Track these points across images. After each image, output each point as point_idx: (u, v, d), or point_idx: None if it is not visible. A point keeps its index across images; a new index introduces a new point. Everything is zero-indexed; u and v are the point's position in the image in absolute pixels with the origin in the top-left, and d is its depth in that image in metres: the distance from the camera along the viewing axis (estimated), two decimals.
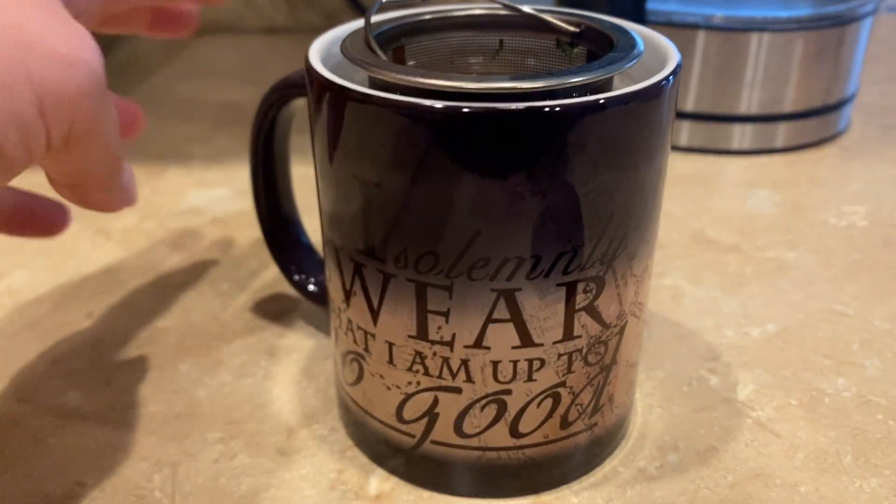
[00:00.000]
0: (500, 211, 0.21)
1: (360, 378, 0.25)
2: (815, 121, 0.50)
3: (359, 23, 0.26)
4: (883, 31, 0.71)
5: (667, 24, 0.47)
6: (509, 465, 0.25)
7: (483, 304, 0.22)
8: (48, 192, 0.26)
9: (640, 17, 0.46)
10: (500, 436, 0.24)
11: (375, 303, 0.23)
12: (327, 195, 0.24)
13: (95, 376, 0.31)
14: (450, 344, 0.23)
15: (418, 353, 0.23)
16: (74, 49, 0.20)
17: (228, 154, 0.49)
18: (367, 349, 0.24)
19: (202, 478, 0.26)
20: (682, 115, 0.49)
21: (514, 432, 0.24)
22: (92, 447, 0.27)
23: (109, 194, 0.25)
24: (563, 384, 0.24)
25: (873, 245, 0.39)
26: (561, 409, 0.24)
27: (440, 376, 0.23)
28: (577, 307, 0.23)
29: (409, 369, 0.24)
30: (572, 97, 0.21)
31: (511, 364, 0.23)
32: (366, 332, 0.24)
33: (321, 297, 0.31)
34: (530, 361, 0.23)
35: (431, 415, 0.24)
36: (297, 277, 0.32)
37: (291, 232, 0.32)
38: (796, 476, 0.26)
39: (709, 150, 0.49)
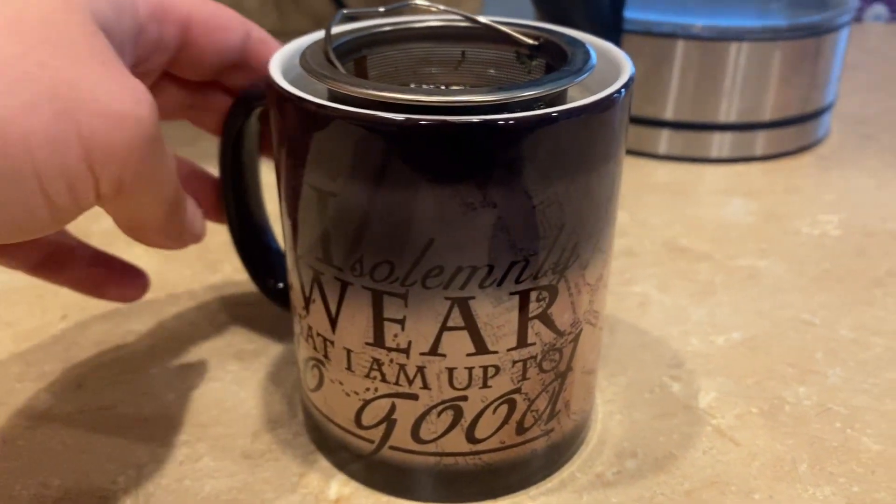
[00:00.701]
0: (454, 221, 0.21)
1: (320, 384, 0.26)
2: (794, 129, 0.51)
3: (319, 34, 0.26)
4: (866, 41, 0.72)
5: (645, 33, 0.47)
6: (466, 471, 0.25)
7: (437, 312, 0.22)
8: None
9: (617, 25, 0.47)
10: (456, 441, 0.24)
11: (334, 310, 0.24)
12: (286, 204, 0.24)
13: (67, 379, 0.31)
14: (406, 351, 0.23)
15: (375, 360, 0.24)
16: (126, 104, 0.20)
17: (211, 157, 0.49)
18: (326, 356, 0.25)
19: (167, 479, 0.26)
20: (661, 124, 0.49)
21: (471, 438, 0.24)
22: (59, 449, 0.28)
23: (168, 237, 0.25)
24: (518, 391, 0.24)
25: (845, 254, 0.40)
26: (517, 416, 0.24)
27: (397, 383, 0.24)
28: (530, 315, 0.23)
29: (367, 376, 0.24)
30: (528, 109, 0.21)
31: (466, 371, 0.23)
32: (325, 339, 0.24)
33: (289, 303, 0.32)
34: (485, 368, 0.23)
35: (389, 421, 0.24)
36: (266, 283, 0.32)
37: (262, 239, 0.32)
38: (752, 483, 0.27)
39: (688, 158, 0.50)
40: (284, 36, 0.76)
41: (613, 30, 0.47)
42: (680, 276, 0.38)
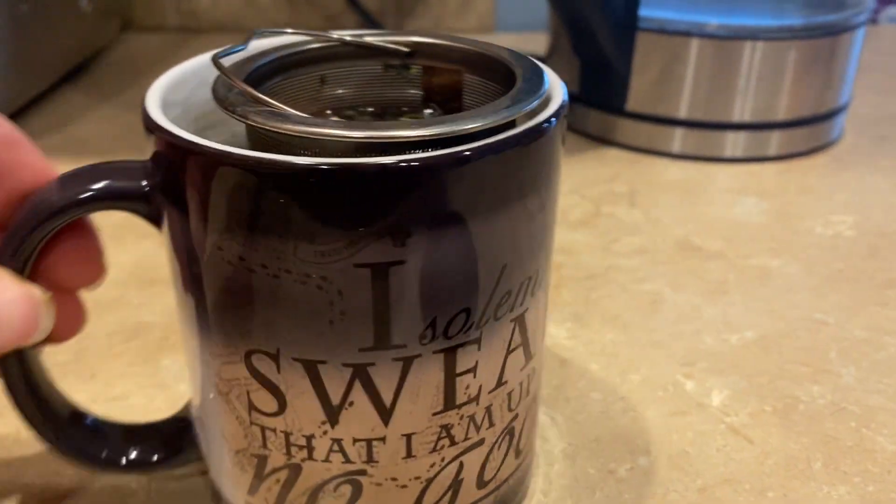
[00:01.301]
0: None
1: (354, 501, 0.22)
2: (808, 130, 0.50)
3: (198, 64, 0.24)
4: (882, 43, 0.71)
5: (659, 31, 0.47)
6: None
7: (503, 338, 0.21)
8: None
9: (631, 23, 0.46)
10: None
11: (388, 400, 0.20)
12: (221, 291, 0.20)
13: (80, 369, 0.31)
14: (476, 398, 0.21)
15: (444, 427, 0.21)
16: None
17: None
18: (371, 459, 0.21)
19: (178, 471, 0.26)
20: (674, 122, 0.49)
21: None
22: None
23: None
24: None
25: (858, 254, 0.39)
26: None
27: (466, 438, 0.22)
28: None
29: (434, 450, 0.21)
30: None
31: (519, 387, 0.22)
32: (370, 442, 0.21)
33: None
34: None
35: (456, 482, 0.22)
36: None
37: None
38: (765, 482, 0.26)
39: (701, 157, 0.50)
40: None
41: (628, 28, 0.46)
42: (692, 274, 0.38)
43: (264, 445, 0.21)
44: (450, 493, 0.22)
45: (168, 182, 0.20)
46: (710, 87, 0.48)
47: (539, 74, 0.21)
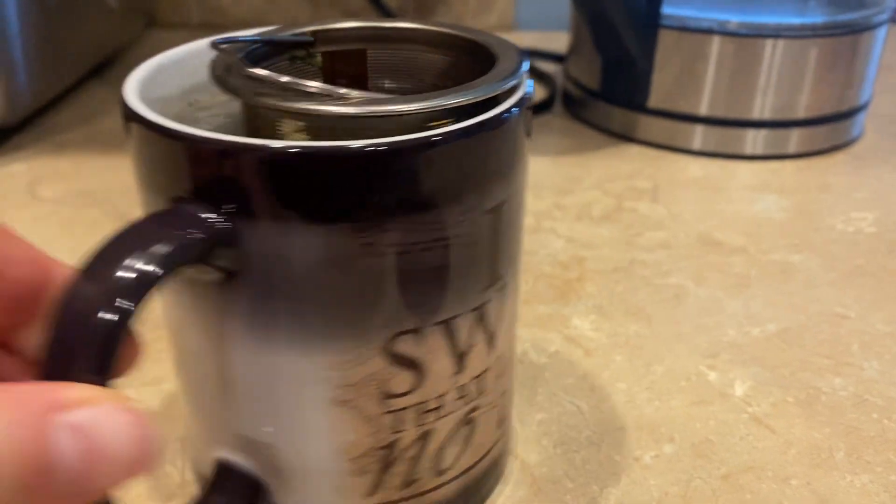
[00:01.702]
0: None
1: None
2: (828, 128, 0.51)
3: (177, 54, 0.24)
4: None
5: (681, 29, 0.47)
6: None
7: None
8: None
9: (654, 20, 0.47)
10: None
11: (493, 327, 0.22)
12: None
13: None
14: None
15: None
16: None
17: None
18: (482, 391, 0.23)
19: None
20: (696, 119, 0.50)
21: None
22: None
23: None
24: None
25: (879, 251, 0.40)
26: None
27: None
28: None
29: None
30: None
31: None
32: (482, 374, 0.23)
33: None
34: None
35: None
36: None
37: None
38: (788, 470, 0.27)
39: (722, 154, 0.50)
40: None
41: (650, 25, 0.47)
42: (714, 268, 0.38)
43: (396, 430, 0.22)
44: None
45: (251, 205, 0.19)
46: (731, 85, 0.48)
47: (517, 58, 0.22)
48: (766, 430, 0.28)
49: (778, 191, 0.46)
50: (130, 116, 0.20)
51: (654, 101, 0.50)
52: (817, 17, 0.47)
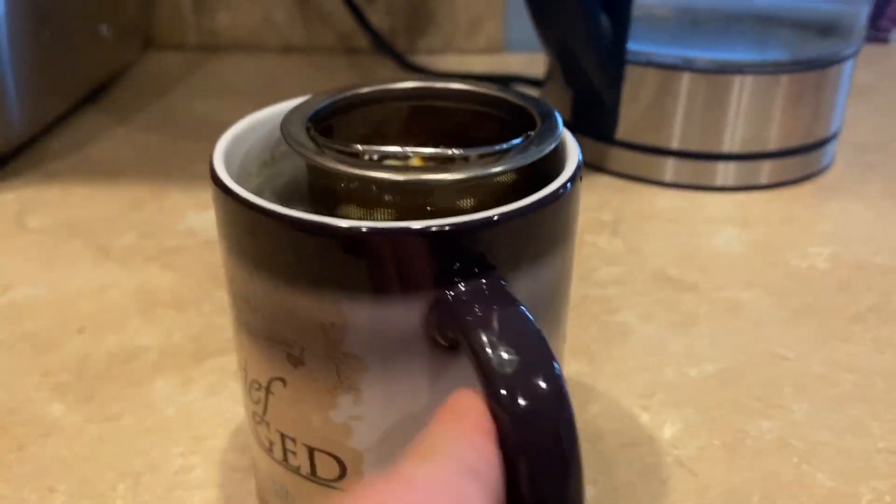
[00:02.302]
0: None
1: None
2: (799, 159, 0.51)
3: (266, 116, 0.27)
4: (889, 63, 0.72)
5: (647, 64, 0.48)
6: None
7: None
8: None
9: (619, 57, 0.48)
10: None
11: None
12: None
13: (80, 390, 0.34)
14: None
15: None
16: None
17: None
18: None
19: (160, 488, 0.29)
20: (667, 153, 0.51)
21: None
22: (67, 456, 0.30)
23: None
24: None
25: (829, 288, 0.41)
26: None
27: None
28: None
29: None
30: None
31: None
32: None
33: None
34: None
35: None
36: None
37: None
38: None
39: (693, 186, 0.51)
40: (312, 51, 0.78)
41: (616, 61, 0.48)
42: (665, 306, 0.39)
43: None
44: None
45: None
46: (701, 119, 0.49)
47: (553, 121, 0.24)
48: (688, 474, 0.30)
49: (741, 224, 0.47)
50: (244, 203, 0.21)
51: (622, 134, 0.51)
52: (783, 54, 0.48)
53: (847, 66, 0.50)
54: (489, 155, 0.23)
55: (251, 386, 0.24)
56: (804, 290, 0.40)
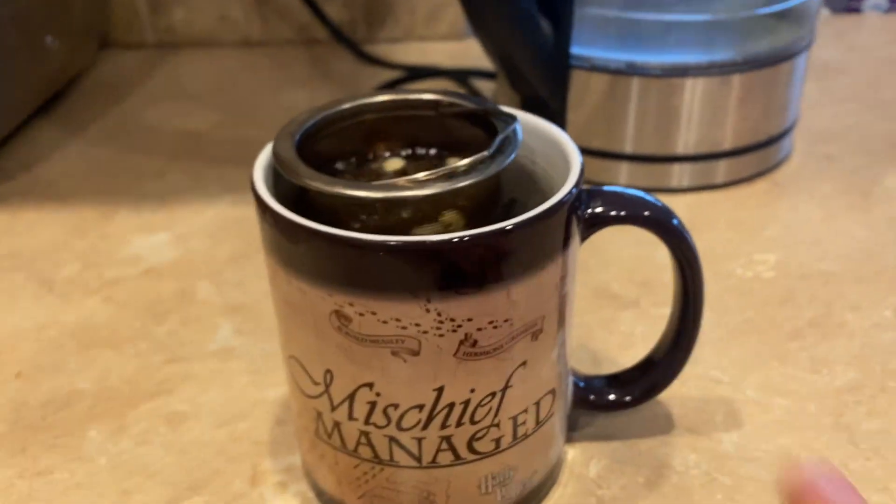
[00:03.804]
0: None
1: None
2: (754, 156, 0.51)
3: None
4: (859, 35, 0.70)
5: (592, 69, 0.48)
6: None
7: None
8: None
9: (563, 63, 0.47)
10: None
11: None
12: None
13: (12, 442, 0.34)
14: None
15: None
16: None
17: (177, 192, 0.51)
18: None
19: None
20: (620, 157, 0.50)
21: None
22: None
23: None
24: None
25: (771, 300, 0.40)
26: None
27: None
28: None
29: None
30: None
31: None
32: None
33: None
34: None
35: None
36: None
37: None
38: None
39: (649, 188, 0.50)
40: (270, 45, 0.77)
41: (559, 67, 0.47)
42: (603, 326, 0.39)
43: None
44: None
45: None
46: (654, 122, 0.49)
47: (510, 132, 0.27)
48: None
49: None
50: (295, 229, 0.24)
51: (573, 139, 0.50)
52: (733, 54, 0.47)
53: (800, 60, 0.49)
54: (455, 171, 0.25)
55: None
56: (745, 304, 0.40)
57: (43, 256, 0.45)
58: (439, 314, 0.24)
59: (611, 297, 0.41)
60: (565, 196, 0.25)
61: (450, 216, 0.26)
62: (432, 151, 0.30)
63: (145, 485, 0.32)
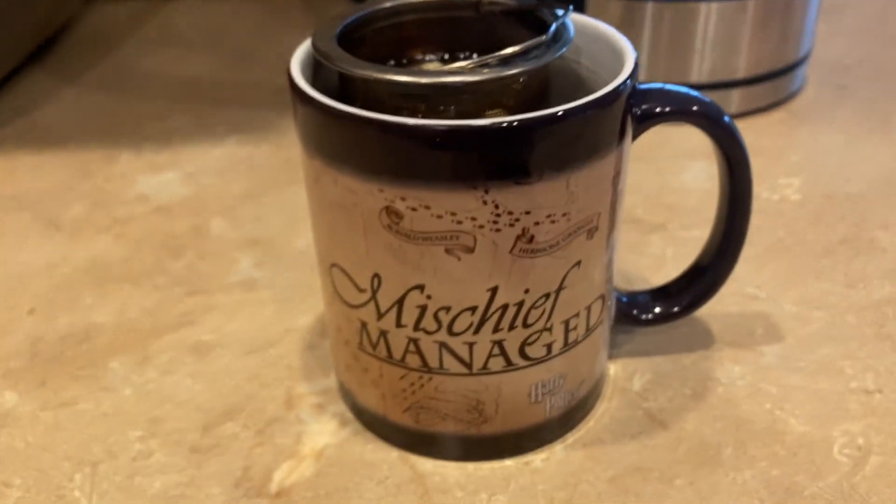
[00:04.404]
0: None
1: None
2: (768, 85, 0.50)
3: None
4: None
5: None
6: None
7: None
8: None
9: None
10: None
11: None
12: None
13: (31, 376, 0.33)
14: None
15: None
16: None
17: (180, 133, 0.50)
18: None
19: (119, 476, 0.28)
20: None
21: None
22: (22, 447, 0.29)
23: None
24: None
25: (801, 221, 0.40)
26: None
27: None
28: None
29: None
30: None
31: None
32: None
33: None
34: None
35: None
36: None
37: None
38: (675, 469, 0.28)
39: None
40: None
41: None
42: (633, 249, 0.38)
43: None
44: None
45: None
46: (668, 50, 0.48)
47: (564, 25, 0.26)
48: (658, 427, 0.29)
49: (709, 157, 0.45)
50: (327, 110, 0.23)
51: None
52: None
53: None
54: (507, 59, 0.24)
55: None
56: (775, 224, 0.40)
57: (48, 197, 0.44)
58: (496, 206, 0.23)
59: (636, 221, 0.40)
60: (621, 85, 0.24)
61: (494, 115, 0.25)
62: (473, 56, 0.29)
63: (175, 412, 0.31)
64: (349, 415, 0.30)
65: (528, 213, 0.23)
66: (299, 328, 0.34)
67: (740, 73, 0.49)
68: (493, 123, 0.22)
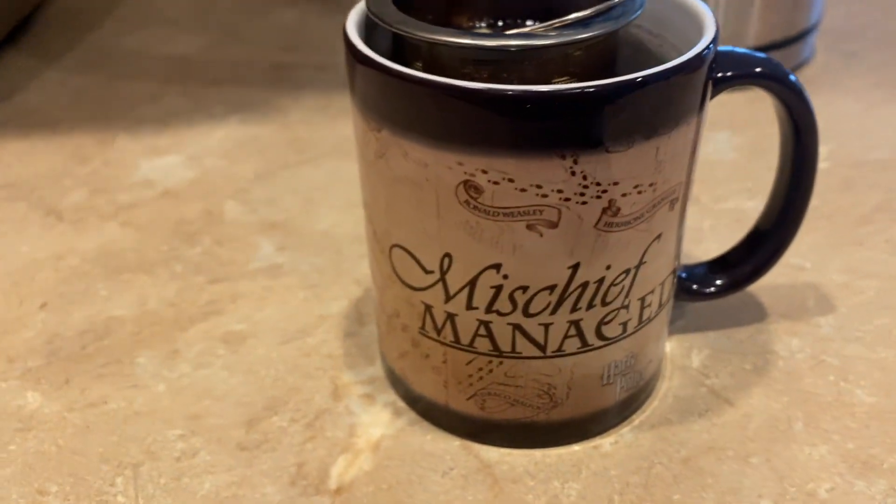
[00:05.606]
0: None
1: None
2: (779, 53, 0.49)
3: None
4: None
5: None
6: None
7: None
8: None
9: None
10: None
11: None
12: None
13: (53, 375, 0.30)
14: None
15: None
16: None
17: (178, 115, 0.47)
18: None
19: (164, 478, 0.26)
20: None
21: None
22: (53, 452, 0.27)
23: None
24: None
25: (833, 189, 0.39)
26: None
27: None
28: None
29: None
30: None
31: None
32: None
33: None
34: None
35: None
36: None
37: None
38: (748, 447, 0.27)
39: None
40: None
41: None
42: None
43: None
44: None
45: None
46: None
47: None
48: (724, 404, 0.28)
49: (729, 128, 0.45)
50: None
51: None
52: None
53: None
54: (576, 22, 0.23)
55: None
56: None
57: (43, 185, 0.41)
58: (585, 177, 0.21)
59: None
60: (705, 50, 0.22)
61: (562, 83, 0.24)
62: (527, 23, 0.27)
63: (215, 407, 0.29)
64: (401, 404, 0.29)
65: (615, 183, 0.22)
66: (334, 315, 0.33)
67: (750, 41, 0.48)
68: (589, 86, 0.20)
